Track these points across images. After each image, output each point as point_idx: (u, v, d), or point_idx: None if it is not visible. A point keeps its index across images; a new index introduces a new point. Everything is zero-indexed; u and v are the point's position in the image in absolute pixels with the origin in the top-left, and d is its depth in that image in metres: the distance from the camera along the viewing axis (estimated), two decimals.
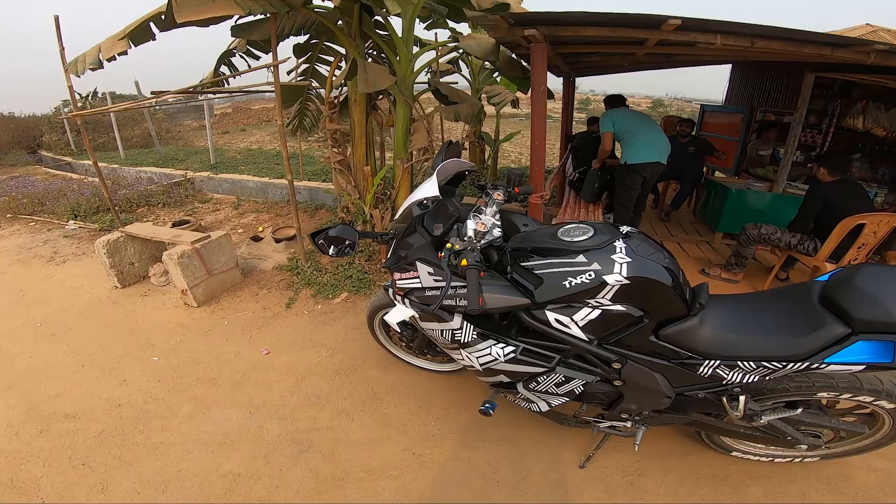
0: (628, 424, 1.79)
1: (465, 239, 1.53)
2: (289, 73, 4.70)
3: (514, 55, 3.88)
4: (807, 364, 1.37)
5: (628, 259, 1.39)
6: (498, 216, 1.71)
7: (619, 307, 1.43)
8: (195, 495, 1.84)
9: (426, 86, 4.38)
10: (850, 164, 3.23)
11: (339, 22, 3.66)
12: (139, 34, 3.07)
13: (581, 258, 1.42)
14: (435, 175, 1.67)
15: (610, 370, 1.60)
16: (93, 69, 3.06)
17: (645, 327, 1.47)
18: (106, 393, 2.45)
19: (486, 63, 6.50)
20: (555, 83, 5.87)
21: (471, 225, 1.56)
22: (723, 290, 3.45)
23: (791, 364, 1.38)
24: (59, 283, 3.78)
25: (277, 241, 4.37)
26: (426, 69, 4.35)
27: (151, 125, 10.00)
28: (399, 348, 2.56)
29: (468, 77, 6.59)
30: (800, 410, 1.63)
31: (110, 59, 3.04)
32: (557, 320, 1.49)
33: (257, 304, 3.33)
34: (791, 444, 1.73)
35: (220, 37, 3.82)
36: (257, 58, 4.20)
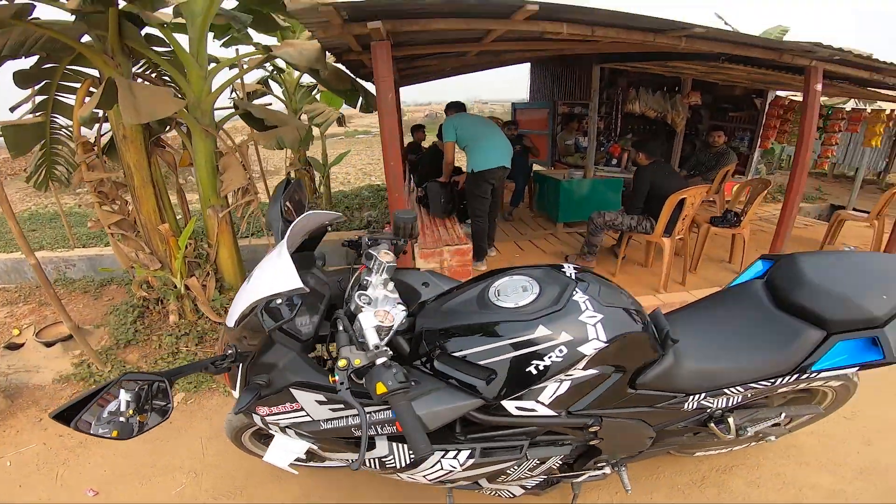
0: (607, 471, 1.50)
1: (367, 347, 1.00)
2: (12, 109, 3.13)
3: (341, 64, 3.27)
4: (796, 376, 1.28)
5: (599, 315, 1.11)
6: (392, 285, 1.21)
7: (591, 371, 1.14)
8: None
9: (232, 110, 3.40)
10: (662, 147, 3.73)
11: (87, 38, 2.60)
12: None
13: (542, 330, 1.06)
14: (285, 245, 1.06)
15: (586, 434, 1.29)
16: None
17: (620, 382, 1.22)
18: None
19: (304, 80, 5.71)
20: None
21: (368, 321, 1.03)
22: None
23: (781, 379, 1.28)
24: None
25: (48, 344, 2.96)
26: (229, 90, 3.41)
27: None
28: None
29: (283, 97, 5.70)
30: (764, 407, 1.56)
31: None
32: (519, 408, 1.14)
33: (47, 432, 2.33)
34: (762, 439, 1.68)
35: None
36: None
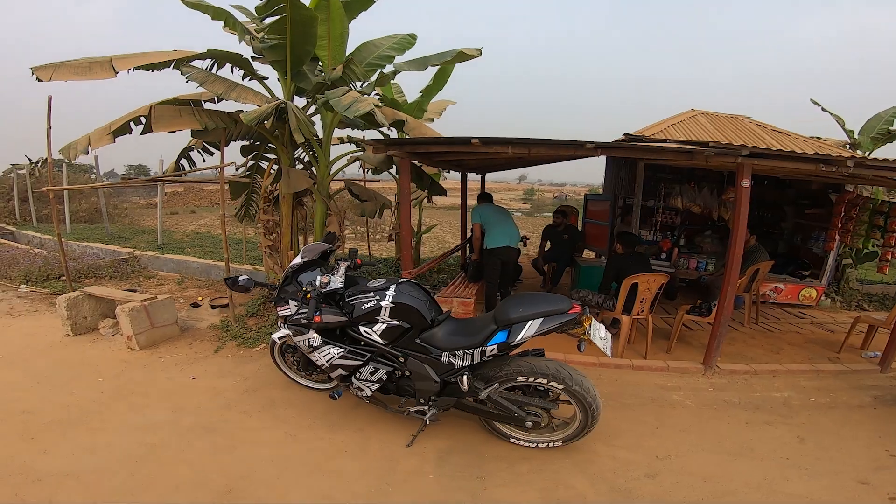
0: (425, 409, 2.64)
1: (313, 286, 2.62)
2: (237, 168, 5.89)
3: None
4: (481, 348, 2.38)
5: (394, 294, 2.55)
6: (344, 276, 2.77)
7: (394, 321, 2.51)
8: (118, 457, 2.51)
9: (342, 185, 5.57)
10: (637, 240, 4.24)
11: (276, 132, 4.86)
12: (120, 130, 4.04)
13: (371, 294, 2.59)
14: (301, 253, 2.91)
15: (399, 363, 2.59)
16: (84, 154, 4.07)
17: (412, 334, 2.53)
18: (57, 399, 3.15)
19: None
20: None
21: (317, 278, 2.67)
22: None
23: (476, 348, 2.39)
24: (17, 330, 4.49)
25: (213, 307, 5.24)
26: (358, 164, 5.50)
27: (104, 205, 10.72)
28: (293, 371, 3.33)
29: (394, 174, 7.82)
30: (519, 392, 2.56)
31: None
32: (365, 331, 2.56)
33: (190, 349, 4.12)
34: (521, 422, 2.50)
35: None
36: (212, 153, 5.41)
